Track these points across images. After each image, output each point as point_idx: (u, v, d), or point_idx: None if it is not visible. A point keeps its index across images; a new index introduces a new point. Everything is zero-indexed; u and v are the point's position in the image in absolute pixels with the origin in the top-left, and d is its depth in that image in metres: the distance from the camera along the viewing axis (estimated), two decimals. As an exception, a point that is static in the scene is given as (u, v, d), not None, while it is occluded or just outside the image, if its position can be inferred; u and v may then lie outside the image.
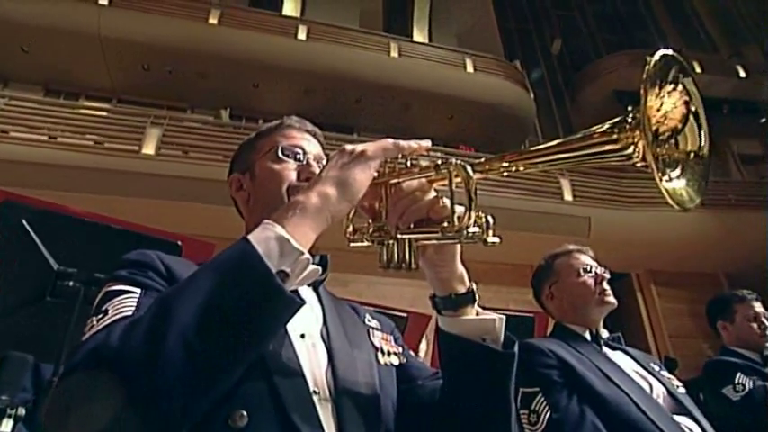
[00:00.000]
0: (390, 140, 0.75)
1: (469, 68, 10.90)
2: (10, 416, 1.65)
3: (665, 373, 1.81)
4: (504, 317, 0.83)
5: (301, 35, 9.87)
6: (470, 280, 0.85)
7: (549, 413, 1.55)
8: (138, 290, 0.74)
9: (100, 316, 0.69)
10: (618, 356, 1.81)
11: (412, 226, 0.76)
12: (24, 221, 1.57)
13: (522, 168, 0.71)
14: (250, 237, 0.64)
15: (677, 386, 1.74)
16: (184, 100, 10.10)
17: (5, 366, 1.72)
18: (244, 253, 0.62)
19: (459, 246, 0.79)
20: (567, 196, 8.31)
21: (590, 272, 1.89)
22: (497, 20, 14.01)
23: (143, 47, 9.10)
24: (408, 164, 0.77)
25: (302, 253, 0.65)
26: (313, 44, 9.81)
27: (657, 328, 8.46)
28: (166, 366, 0.54)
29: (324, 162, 1.06)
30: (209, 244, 1.73)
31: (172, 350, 0.55)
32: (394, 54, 10.33)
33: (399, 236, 0.77)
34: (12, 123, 6.88)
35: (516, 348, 0.82)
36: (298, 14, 11.42)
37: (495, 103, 10.93)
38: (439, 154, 8.34)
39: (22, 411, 1.68)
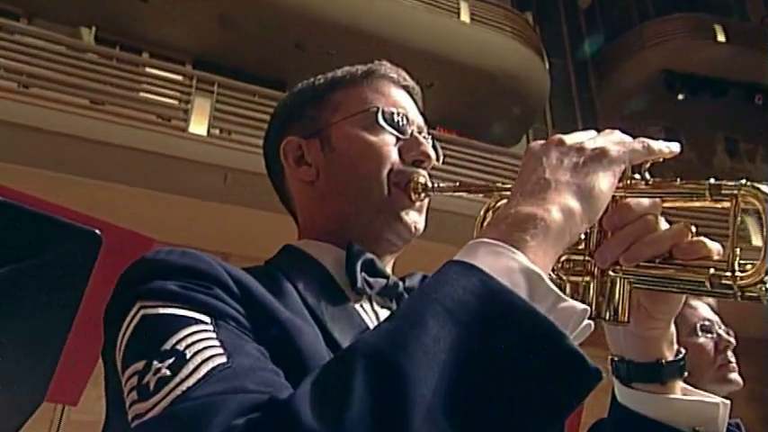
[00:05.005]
0: (634, 140, 0.74)
1: (464, 16, 11.12)
2: None
3: None
4: (728, 402, 0.84)
5: (222, -67, 9.74)
6: None
7: None
8: (208, 318, 0.70)
9: (170, 360, 0.64)
10: None
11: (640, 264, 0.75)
12: None
13: None
14: (479, 264, 0.61)
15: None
16: (20, 3, 9.65)
17: None
18: (493, 294, 0.58)
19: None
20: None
21: (710, 332, 1.95)
22: (506, -46, 14.33)
23: None
24: (640, 175, 0.76)
25: (562, 298, 0.63)
26: (239, -51, 9.69)
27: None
28: None
29: (425, 134, 1.06)
30: (145, 239, 1.70)
31: None
32: (359, -20, 10.37)
33: (612, 274, 0.76)
34: None
35: None
36: None
37: (494, 70, 11.17)
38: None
39: None
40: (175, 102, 7.99)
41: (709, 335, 1.95)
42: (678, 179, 0.74)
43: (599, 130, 0.77)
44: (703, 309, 2.01)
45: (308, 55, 10.24)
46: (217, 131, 7.76)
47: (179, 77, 8.38)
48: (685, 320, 1.96)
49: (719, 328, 1.98)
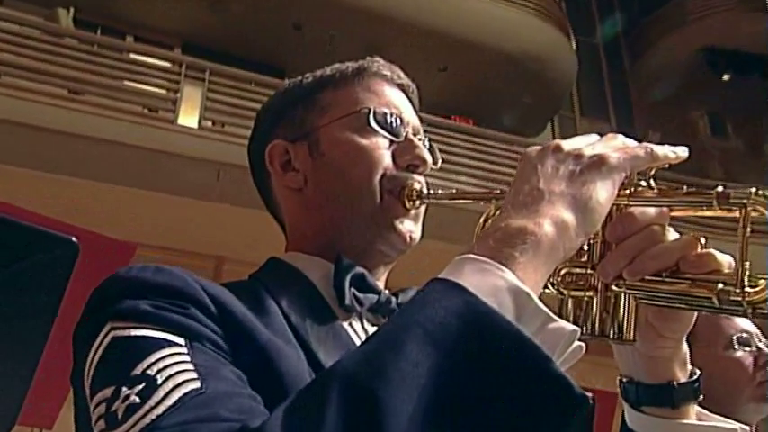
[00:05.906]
0: (639, 145, 0.76)
1: (482, -8, 11.09)
2: None
3: None
4: (747, 427, 0.88)
5: None
6: None
7: None
8: (182, 340, 0.73)
9: (140, 387, 0.66)
10: None
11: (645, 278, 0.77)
12: None
13: None
14: (464, 282, 0.64)
15: None
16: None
17: None
18: (476, 315, 0.61)
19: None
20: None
21: (749, 345, 1.93)
22: None
23: None
24: (646, 182, 0.78)
25: (552, 318, 0.65)
26: None
27: None
28: None
29: (421, 136, 1.09)
30: (127, 246, 1.72)
31: None
32: (363, -45, 10.38)
33: (616, 288, 0.78)
34: None
35: None
36: None
37: (515, 52, 11.15)
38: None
39: None
40: (163, 91, 8.03)
41: (747, 348, 1.93)
42: (685, 186, 0.76)
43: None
44: (740, 320, 1.98)
45: (307, 37, 10.25)
46: (208, 123, 7.79)
47: (167, 64, 8.42)
48: (721, 332, 1.94)
49: (759, 340, 1.95)
